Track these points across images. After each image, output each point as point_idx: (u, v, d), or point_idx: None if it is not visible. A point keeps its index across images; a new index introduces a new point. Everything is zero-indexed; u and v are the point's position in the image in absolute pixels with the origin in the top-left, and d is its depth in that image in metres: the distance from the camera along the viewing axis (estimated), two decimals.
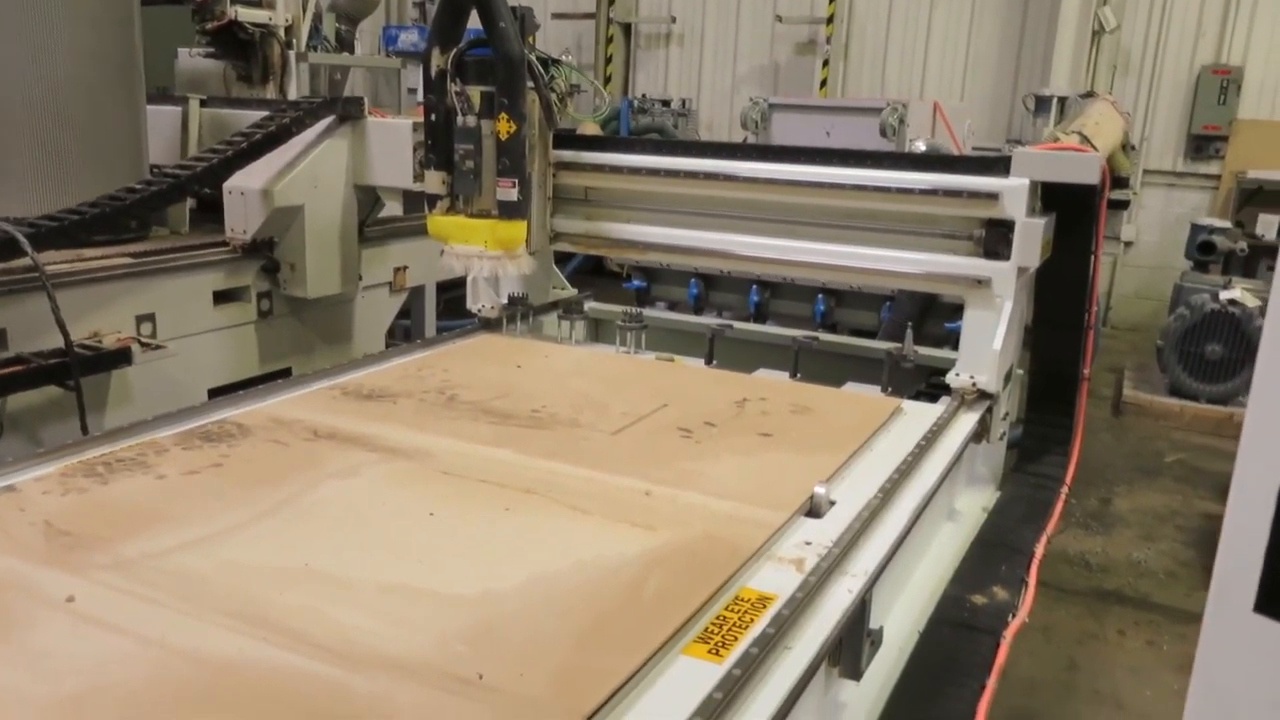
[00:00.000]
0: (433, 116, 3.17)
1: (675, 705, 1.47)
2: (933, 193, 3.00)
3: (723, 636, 1.68)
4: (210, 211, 4.62)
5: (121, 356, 3.58)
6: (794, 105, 6.41)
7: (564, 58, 3.27)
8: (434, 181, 3.22)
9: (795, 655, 1.68)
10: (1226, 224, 7.78)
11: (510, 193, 3.13)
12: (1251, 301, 6.34)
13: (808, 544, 2.06)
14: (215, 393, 4.23)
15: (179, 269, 4.10)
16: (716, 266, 4.47)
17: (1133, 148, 8.30)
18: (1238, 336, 6.39)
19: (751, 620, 1.74)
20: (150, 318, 4.01)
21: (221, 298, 4.29)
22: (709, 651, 1.63)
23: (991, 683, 2.32)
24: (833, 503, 2.26)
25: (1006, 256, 3.01)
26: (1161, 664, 3.68)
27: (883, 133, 5.74)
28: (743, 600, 1.80)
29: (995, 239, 3.01)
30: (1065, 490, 3.49)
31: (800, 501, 2.20)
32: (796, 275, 4.25)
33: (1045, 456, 3.65)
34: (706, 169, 3.30)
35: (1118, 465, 5.78)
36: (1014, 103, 9.63)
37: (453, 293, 7.22)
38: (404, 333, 6.17)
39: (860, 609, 1.93)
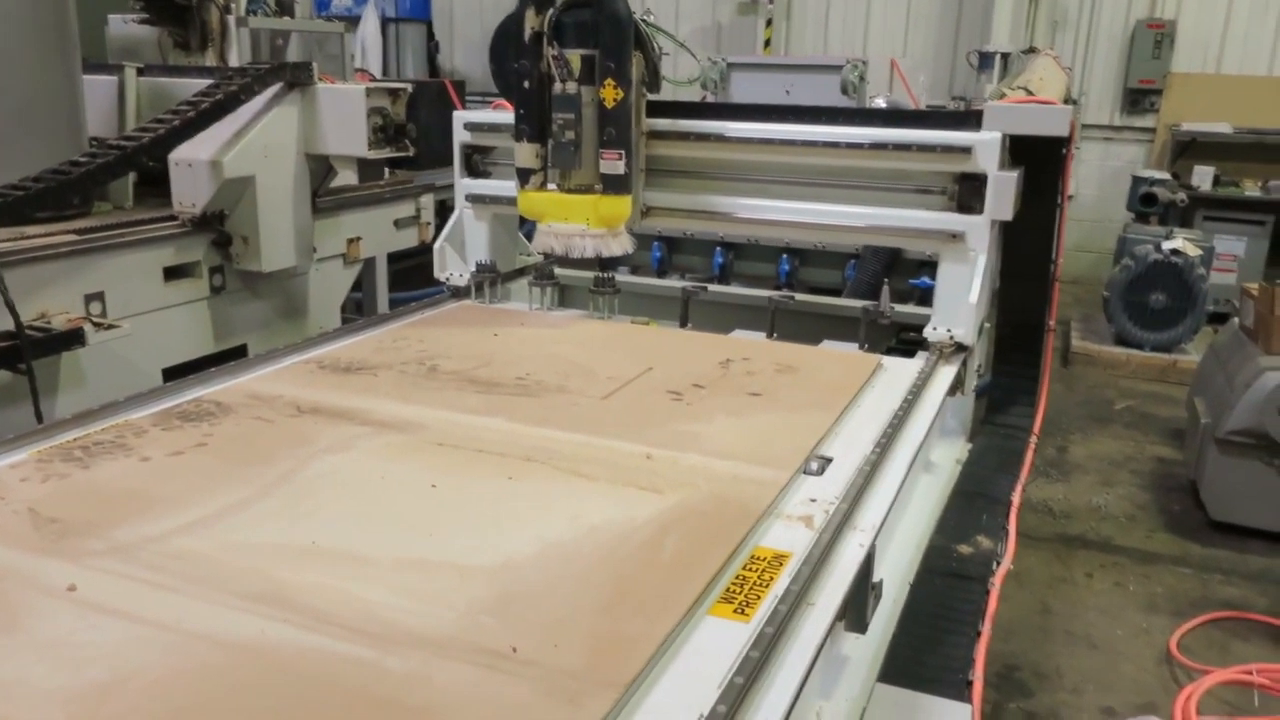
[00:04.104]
0: (526, 84, 2.93)
1: (712, 666, 1.46)
2: (907, 148, 3.00)
3: (745, 596, 1.67)
4: (152, 185, 4.46)
5: (74, 337, 3.44)
6: (753, 64, 6.36)
7: (648, 16, 3.00)
8: (526, 155, 3.00)
9: (819, 611, 1.69)
10: (1165, 175, 7.96)
11: (617, 165, 2.93)
12: (1193, 251, 6.50)
13: (813, 501, 2.06)
14: (170, 372, 4.11)
15: (127, 245, 3.95)
16: (693, 229, 4.43)
17: (1074, 102, 8.44)
18: (1180, 285, 6.57)
19: (771, 578, 1.73)
20: (99, 296, 3.86)
21: (172, 274, 4.15)
22: (734, 611, 1.63)
23: (986, 629, 2.37)
24: (829, 459, 2.27)
25: (980, 210, 3.02)
26: (1129, 604, 3.80)
27: (844, 90, 5.74)
28: (759, 559, 1.80)
29: (968, 193, 3.03)
30: (1034, 440, 3.57)
31: (800, 459, 2.20)
32: (772, 234, 4.24)
33: (1011, 407, 3.72)
34: (678, 129, 3.25)
35: (1071, 414, 5.92)
36: (956, 60, 9.71)
37: (400, 264, 7.11)
38: (355, 306, 6.06)
39: (867, 563, 1.94)
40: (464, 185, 3.63)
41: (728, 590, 1.68)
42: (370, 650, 1.43)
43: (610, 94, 2.91)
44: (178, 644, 1.43)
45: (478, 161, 3.64)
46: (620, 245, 3.07)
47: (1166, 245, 6.56)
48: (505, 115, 3.34)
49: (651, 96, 3.17)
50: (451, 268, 3.64)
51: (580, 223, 2.99)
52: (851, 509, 2.02)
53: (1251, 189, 8.46)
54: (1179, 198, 7.60)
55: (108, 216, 4.21)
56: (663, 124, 3.24)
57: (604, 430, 2.32)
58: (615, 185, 2.98)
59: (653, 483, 2.04)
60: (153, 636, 1.45)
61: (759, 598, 1.67)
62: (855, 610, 1.99)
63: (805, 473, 2.19)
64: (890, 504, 2.14)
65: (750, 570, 1.76)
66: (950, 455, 3.39)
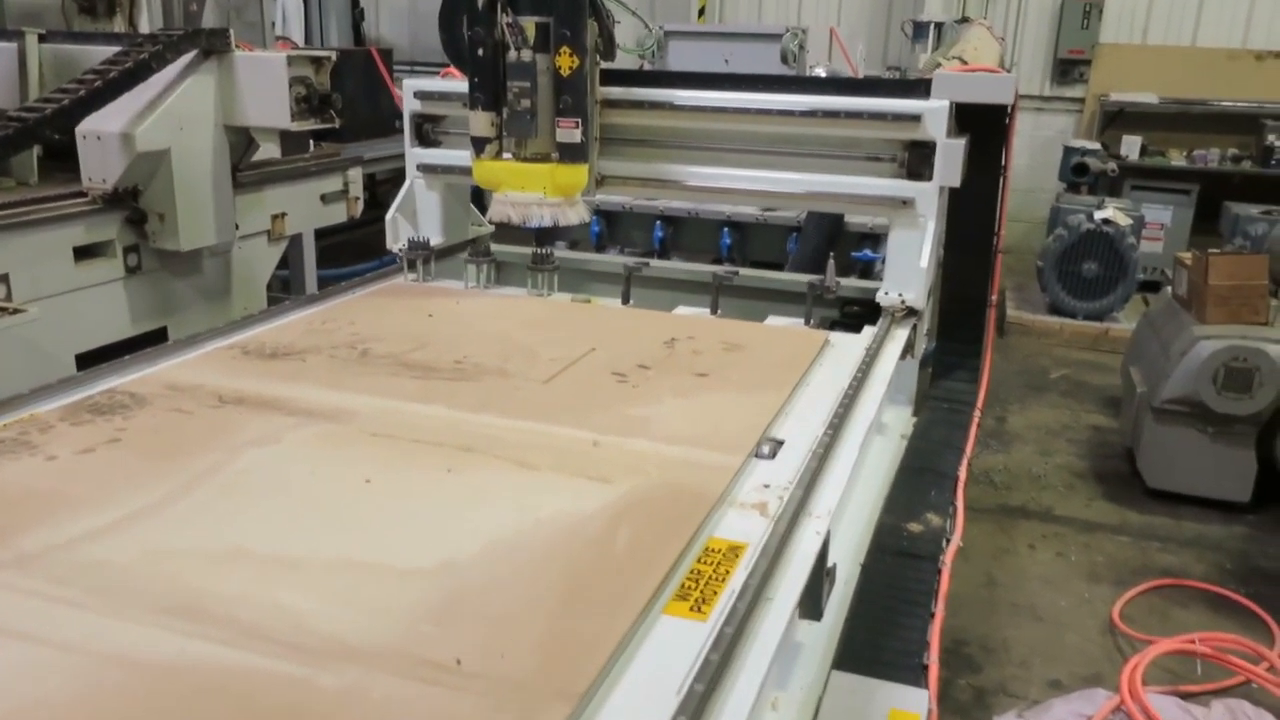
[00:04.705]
0: (480, 51, 2.88)
1: (669, 670, 1.38)
2: (858, 116, 2.97)
3: (701, 592, 1.59)
4: (59, 160, 4.22)
5: None
6: (690, 32, 6.23)
7: None
8: (481, 123, 2.95)
9: (777, 606, 1.61)
10: (1096, 146, 8.05)
11: (573, 134, 2.89)
12: (1123, 220, 6.59)
13: (766, 486, 1.99)
14: (84, 359, 3.90)
15: (33, 224, 3.73)
16: (648, 197, 4.36)
17: (1007, 72, 8.49)
18: (1112, 254, 6.65)
19: (727, 572, 1.66)
20: (3, 279, 3.64)
21: (83, 254, 3.94)
22: (690, 609, 1.54)
23: (940, 609, 2.34)
24: (781, 442, 2.20)
25: (929, 177, 3.02)
26: (1071, 573, 3.83)
27: (783, 59, 5.64)
28: (713, 551, 1.72)
29: (917, 160, 3.02)
30: (978, 414, 3.56)
31: (752, 442, 2.13)
32: (726, 202, 4.21)
33: (954, 380, 3.72)
34: (632, 97, 3.17)
35: (1008, 383, 5.97)
36: (889, 30, 9.70)
37: (329, 240, 6.88)
38: (282, 284, 5.85)
39: (823, 550, 1.88)
40: (415, 155, 3.55)
41: (683, 586, 1.60)
42: (301, 666, 1.32)
43: (566, 62, 2.85)
44: (86, 667, 1.30)
45: (428, 130, 3.55)
46: (577, 214, 3.03)
47: (1098, 215, 6.64)
48: (456, 84, 3.28)
49: (605, 65, 3.09)
50: (404, 239, 3.52)
51: (537, 191, 2.95)
52: (806, 495, 1.95)
53: (1177, 158, 8.62)
54: (1109, 167, 7.70)
55: (10, 194, 3.97)
56: (617, 92, 3.17)
57: (548, 416, 2.22)
58: (572, 154, 2.94)
59: (601, 471, 1.94)
60: (56, 660, 1.32)
61: (715, 593, 1.59)
62: (810, 597, 1.93)
63: (757, 456, 2.12)
64: (844, 487, 2.08)
65: (705, 563, 1.68)
66: (897, 428, 3.36)
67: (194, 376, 2.40)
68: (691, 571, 1.65)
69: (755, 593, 1.58)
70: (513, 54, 2.87)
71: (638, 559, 1.63)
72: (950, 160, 2.99)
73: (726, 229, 4.66)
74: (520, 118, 2.90)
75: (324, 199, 5.26)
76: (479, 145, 3.00)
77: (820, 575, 1.92)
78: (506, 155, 3.00)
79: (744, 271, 3.56)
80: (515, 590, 1.53)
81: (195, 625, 1.39)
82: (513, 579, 1.56)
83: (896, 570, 2.49)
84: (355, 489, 1.85)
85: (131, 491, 1.79)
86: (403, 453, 2.01)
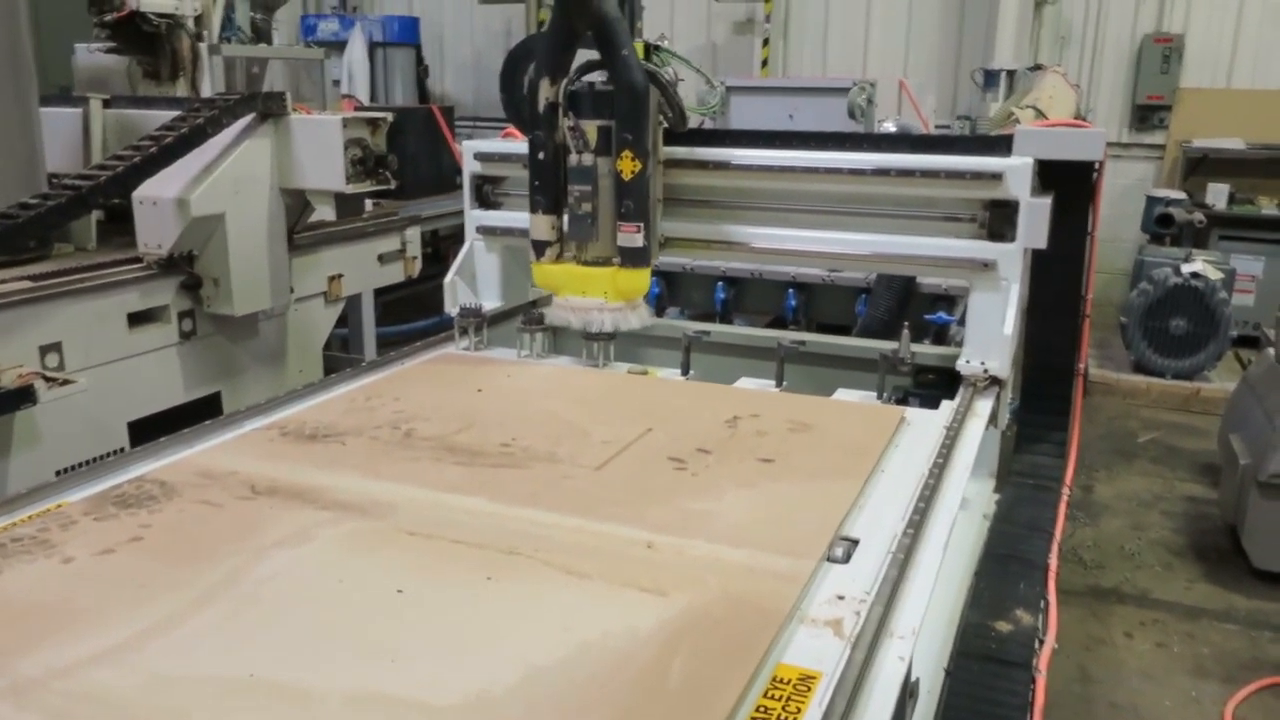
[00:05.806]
0: (540, 155, 2.85)
1: None
2: (935, 174, 2.80)
3: None
4: (120, 223, 4.22)
5: (23, 396, 3.17)
6: (753, 87, 6.09)
7: (662, 42, 2.89)
8: (542, 227, 2.91)
9: None
10: (1181, 195, 7.70)
11: (635, 238, 2.82)
12: (1214, 274, 6.24)
13: (840, 598, 1.77)
14: (136, 426, 3.85)
15: (87, 291, 3.71)
16: (714, 260, 4.26)
17: (1084, 119, 8.20)
18: (1202, 310, 6.30)
19: (798, 709, 1.45)
20: (56, 347, 3.61)
21: (138, 320, 3.91)
22: None
23: None
24: (856, 542, 1.99)
25: (1012, 238, 2.83)
26: (1174, 667, 3.50)
27: (851, 114, 5.46)
28: (782, 682, 1.51)
29: (999, 220, 2.84)
30: (1067, 491, 3.29)
31: (823, 545, 1.92)
32: (796, 265, 4.11)
33: (1040, 451, 3.47)
34: (694, 158, 3.06)
35: (1094, 448, 5.63)
36: (958, 78, 9.48)
37: (389, 296, 6.85)
38: (341, 343, 5.81)
39: (907, 675, 1.66)
40: (474, 217, 3.49)
41: None
42: None
43: (627, 166, 2.78)
44: None
45: (488, 192, 3.49)
46: (639, 318, 2.98)
47: (1186, 268, 6.30)
48: (516, 145, 3.24)
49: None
50: (464, 301, 3.43)
51: (598, 296, 2.90)
52: (886, 611, 1.73)
53: (1268, 206, 8.20)
54: (1196, 218, 7.34)
55: (67, 259, 3.96)
56: (680, 152, 3.07)
57: (599, 511, 2.04)
58: (633, 258, 2.87)
59: (656, 581, 1.75)
60: None
61: None
62: None
63: (829, 560, 1.91)
64: (928, 598, 1.86)
65: (773, 698, 1.47)
66: (978, 505, 3.14)
67: (228, 461, 2.28)
68: (757, 708, 1.45)
69: None
70: (574, 157, 2.82)
71: (695, 695, 1.43)
72: (1035, 220, 2.81)
73: (792, 290, 4.47)
74: (581, 222, 2.85)
75: (381, 259, 5.22)
76: (539, 249, 2.94)
77: (904, 701, 1.70)
78: (567, 258, 2.94)
79: (811, 338, 3.37)
80: None
81: None
82: (554, 718, 1.37)
83: (984, 679, 2.26)
84: (385, 601, 1.68)
85: (146, 603, 1.65)
86: (441, 556, 1.85)
